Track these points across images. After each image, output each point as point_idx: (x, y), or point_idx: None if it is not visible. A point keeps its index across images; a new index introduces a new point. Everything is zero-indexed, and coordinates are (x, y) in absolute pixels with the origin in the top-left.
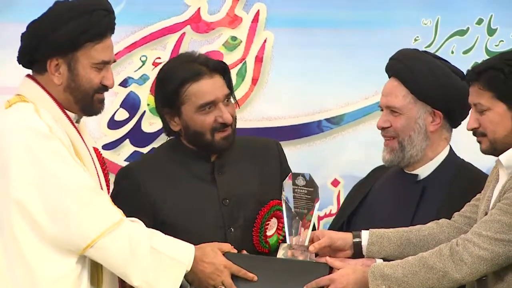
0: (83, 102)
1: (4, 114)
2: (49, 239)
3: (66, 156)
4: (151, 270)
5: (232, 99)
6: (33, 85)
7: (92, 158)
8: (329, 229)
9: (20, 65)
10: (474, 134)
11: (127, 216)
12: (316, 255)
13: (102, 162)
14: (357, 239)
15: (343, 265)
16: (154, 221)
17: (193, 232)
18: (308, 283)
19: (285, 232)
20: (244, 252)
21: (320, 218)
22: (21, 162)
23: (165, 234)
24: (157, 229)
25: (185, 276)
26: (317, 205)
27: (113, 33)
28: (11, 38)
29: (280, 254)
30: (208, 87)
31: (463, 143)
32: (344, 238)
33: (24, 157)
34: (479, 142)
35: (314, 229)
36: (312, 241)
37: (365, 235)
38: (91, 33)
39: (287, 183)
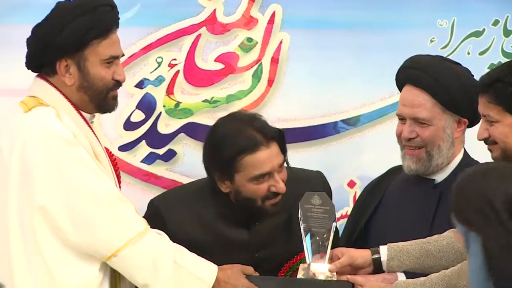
0: (98, 100)
1: (24, 119)
2: (72, 246)
3: (91, 164)
4: (173, 284)
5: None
6: (46, 86)
7: (108, 161)
8: (344, 236)
9: (29, 70)
10: (485, 142)
11: None
12: (336, 273)
13: (114, 162)
14: (376, 255)
15: (365, 281)
16: None
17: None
18: None
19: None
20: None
21: (337, 219)
22: (45, 169)
23: None
24: None
25: None
26: (334, 224)
27: (118, 27)
28: (22, 40)
29: (300, 274)
30: (264, 158)
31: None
32: (364, 256)
33: (48, 164)
34: (490, 150)
35: (332, 247)
36: (331, 259)
37: (383, 250)
38: (96, 30)
39: (303, 203)
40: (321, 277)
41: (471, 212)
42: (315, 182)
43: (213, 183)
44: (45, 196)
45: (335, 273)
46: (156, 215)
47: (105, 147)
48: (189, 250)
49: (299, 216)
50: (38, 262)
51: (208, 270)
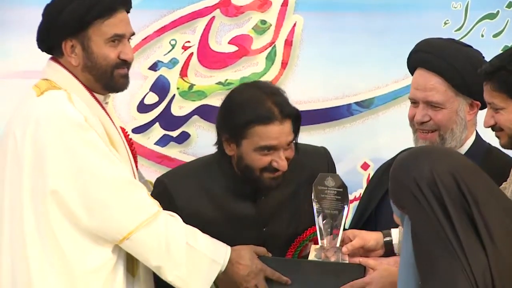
0: (103, 79)
1: (37, 103)
2: (85, 230)
3: (102, 148)
4: (185, 266)
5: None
6: (59, 68)
7: (123, 141)
8: (354, 218)
9: (43, 52)
10: (492, 129)
11: None
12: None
13: (130, 143)
14: (387, 238)
15: (377, 264)
16: None
17: None
18: (343, 286)
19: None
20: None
21: (350, 201)
22: (57, 153)
23: None
24: None
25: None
26: (347, 206)
27: (128, 7)
28: (36, 21)
29: (312, 256)
30: (274, 133)
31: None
32: (376, 238)
33: (60, 148)
34: (497, 137)
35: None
36: (343, 242)
37: (395, 233)
38: (97, 10)
39: (316, 184)
40: (333, 259)
41: (403, 195)
42: (319, 157)
43: (220, 144)
44: (57, 180)
45: (347, 256)
46: (164, 192)
47: (120, 127)
48: (198, 226)
49: (312, 197)
50: (52, 246)
51: (221, 251)
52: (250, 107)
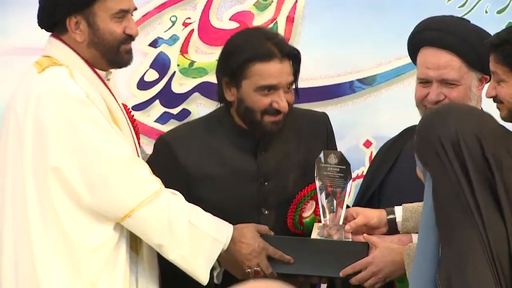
0: (109, 55)
1: (38, 80)
2: (86, 208)
3: (104, 124)
4: (188, 245)
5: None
6: (60, 45)
7: (126, 118)
8: (358, 196)
9: (42, 29)
10: (494, 100)
11: None
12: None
13: (132, 120)
14: (391, 216)
15: (379, 242)
16: (188, 195)
17: (225, 209)
18: (346, 267)
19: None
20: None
21: (352, 179)
22: (58, 130)
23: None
24: (189, 203)
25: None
26: (350, 183)
27: None
28: None
29: (315, 233)
30: (274, 71)
31: None
32: (379, 216)
33: (61, 125)
34: (498, 109)
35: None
36: (346, 219)
37: (398, 211)
38: None
39: (319, 161)
40: (336, 237)
41: (427, 151)
42: (318, 120)
43: (220, 91)
44: (59, 157)
45: (350, 233)
46: (166, 150)
47: (123, 104)
48: (200, 183)
49: (315, 174)
50: (53, 224)
51: (223, 229)
52: (249, 47)
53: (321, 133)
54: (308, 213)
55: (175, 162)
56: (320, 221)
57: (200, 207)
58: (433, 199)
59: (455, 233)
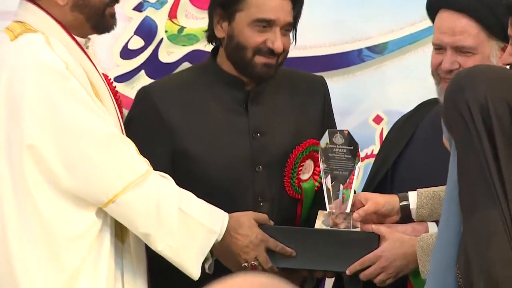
0: (95, 18)
1: (11, 48)
2: (65, 191)
3: (86, 98)
4: (177, 234)
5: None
6: (35, 9)
7: (108, 91)
8: (369, 177)
9: None
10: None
11: (140, 146)
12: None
13: (114, 92)
14: (404, 202)
15: (389, 233)
16: (173, 152)
17: (216, 165)
18: (354, 260)
19: (321, 179)
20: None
21: (361, 159)
22: (34, 103)
23: (184, 165)
24: (175, 160)
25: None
26: (358, 166)
27: None
28: None
29: (319, 222)
30: (274, 5)
31: None
32: (390, 202)
33: (38, 99)
34: None
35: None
36: (354, 206)
37: (412, 197)
38: None
39: (323, 142)
40: (343, 226)
41: (453, 116)
42: (315, 84)
43: (210, 29)
44: (34, 134)
45: (358, 222)
46: (147, 101)
47: (103, 74)
48: (185, 138)
49: (319, 156)
50: (30, 209)
51: (218, 218)
52: None
53: (318, 96)
54: (306, 175)
55: (157, 115)
56: (320, 187)
57: (186, 163)
58: (457, 168)
59: (477, 210)
